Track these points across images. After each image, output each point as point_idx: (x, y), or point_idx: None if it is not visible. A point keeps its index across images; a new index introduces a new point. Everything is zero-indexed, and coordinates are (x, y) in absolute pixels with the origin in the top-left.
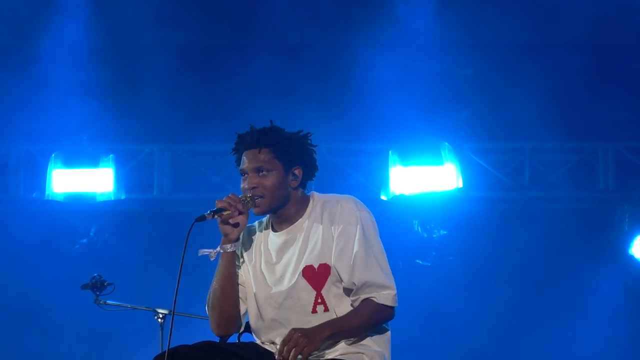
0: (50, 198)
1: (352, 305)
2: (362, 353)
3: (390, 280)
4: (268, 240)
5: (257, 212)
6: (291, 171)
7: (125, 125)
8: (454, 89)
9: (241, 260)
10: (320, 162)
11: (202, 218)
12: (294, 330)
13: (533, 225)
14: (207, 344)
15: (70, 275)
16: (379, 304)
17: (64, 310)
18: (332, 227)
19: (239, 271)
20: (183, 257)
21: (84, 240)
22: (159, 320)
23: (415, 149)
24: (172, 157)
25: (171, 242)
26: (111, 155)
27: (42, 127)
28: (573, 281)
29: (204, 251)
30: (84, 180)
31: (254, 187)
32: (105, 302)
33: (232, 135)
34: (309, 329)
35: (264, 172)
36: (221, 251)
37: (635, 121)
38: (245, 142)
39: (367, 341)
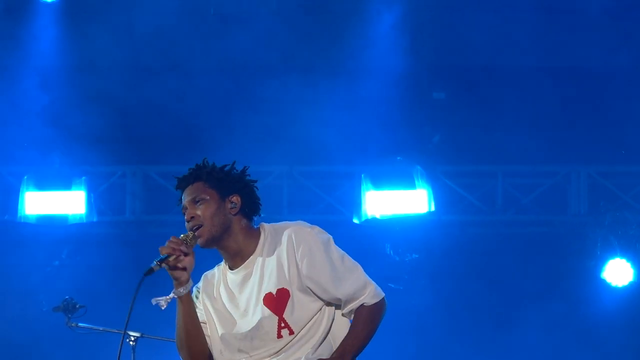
0: (22, 220)
1: (343, 315)
2: None
3: (364, 279)
4: (227, 280)
5: (202, 242)
6: (228, 199)
7: (98, 148)
8: (427, 113)
9: (202, 302)
10: (293, 185)
11: (151, 271)
12: None
13: (505, 249)
14: None
15: (42, 298)
16: (370, 305)
17: (35, 333)
18: (288, 252)
19: (202, 313)
20: (131, 309)
21: (56, 263)
22: (131, 343)
23: (387, 172)
24: (144, 179)
25: (143, 264)
26: (83, 177)
27: (14, 149)
28: (546, 305)
29: (157, 300)
30: (56, 203)
31: (192, 217)
32: (76, 324)
33: (205, 157)
34: None
35: (199, 202)
36: (176, 297)
37: (608, 146)
38: (181, 182)
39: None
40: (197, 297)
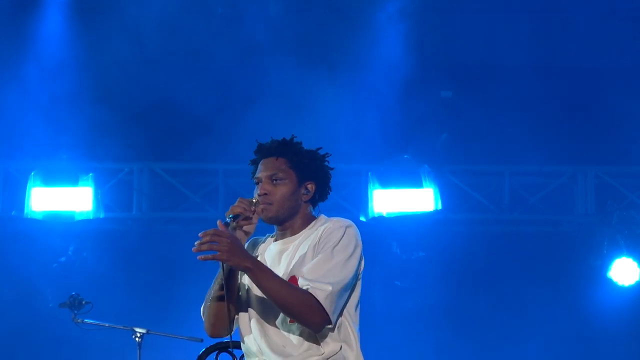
0: (29, 216)
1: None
2: None
3: (330, 287)
4: (267, 249)
5: (265, 217)
6: (304, 185)
7: (105, 144)
8: (434, 111)
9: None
10: None
11: (227, 225)
12: (228, 233)
13: (512, 249)
14: None
15: (48, 294)
16: (308, 292)
17: (41, 329)
18: (320, 240)
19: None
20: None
21: (62, 259)
22: (137, 339)
23: (394, 170)
24: (151, 176)
25: (149, 261)
26: (90, 174)
27: (21, 145)
28: (552, 305)
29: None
30: (63, 199)
31: (265, 194)
32: (83, 320)
33: (211, 155)
34: (238, 245)
35: (277, 181)
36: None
37: (615, 145)
38: (264, 150)
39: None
40: None
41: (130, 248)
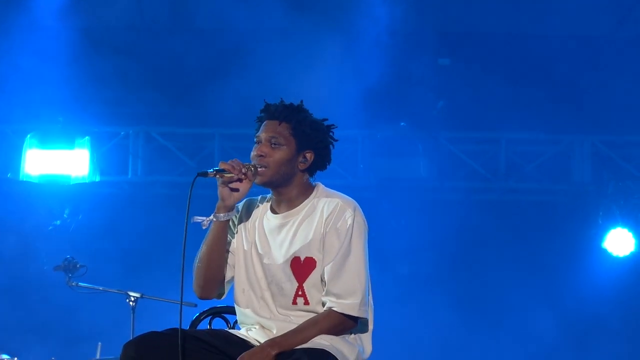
0: (24, 179)
1: (321, 302)
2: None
3: (359, 290)
4: (264, 218)
5: (259, 181)
6: (302, 153)
7: (102, 107)
8: (432, 79)
9: (236, 230)
10: None
11: (205, 174)
12: (240, 357)
13: (507, 217)
14: (177, 331)
15: (43, 257)
16: (339, 314)
17: (36, 292)
18: (325, 224)
19: (232, 239)
20: (187, 217)
21: (58, 222)
22: (131, 303)
23: (385, 137)
24: (146, 140)
25: (144, 225)
26: (87, 137)
27: (18, 107)
28: (547, 274)
29: (198, 218)
30: (59, 162)
31: (261, 155)
32: (77, 284)
33: (207, 120)
34: (253, 352)
35: (276, 145)
36: (214, 219)
37: (612, 115)
38: (270, 111)
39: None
40: (235, 217)
41: (126, 212)
